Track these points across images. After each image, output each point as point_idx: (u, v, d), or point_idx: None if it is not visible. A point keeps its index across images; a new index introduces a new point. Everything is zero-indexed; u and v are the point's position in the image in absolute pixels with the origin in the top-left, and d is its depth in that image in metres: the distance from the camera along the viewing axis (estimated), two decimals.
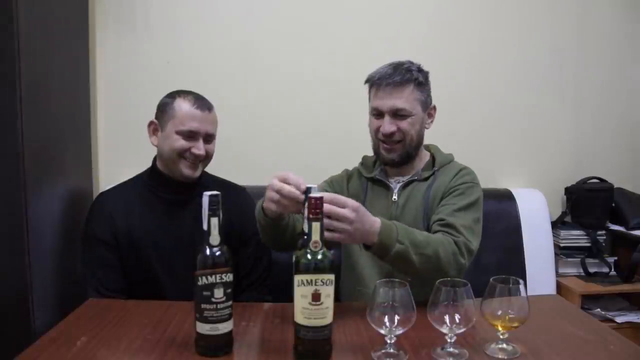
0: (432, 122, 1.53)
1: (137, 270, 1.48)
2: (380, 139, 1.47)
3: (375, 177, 1.54)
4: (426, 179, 1.49)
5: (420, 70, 1.46)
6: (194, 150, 1.45)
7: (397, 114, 1.43)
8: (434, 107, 1.53)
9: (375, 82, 1.45)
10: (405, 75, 1.42)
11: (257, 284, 1.57)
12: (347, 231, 1.12)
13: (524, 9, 2.26)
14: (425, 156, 1.56)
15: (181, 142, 1.44)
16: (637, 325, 2.01)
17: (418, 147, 1.50)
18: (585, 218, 2.23)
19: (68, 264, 1.76)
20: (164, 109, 1.48)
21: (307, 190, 1.12)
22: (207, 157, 1.50)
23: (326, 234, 1.07)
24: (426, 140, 1.54)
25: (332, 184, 1.60)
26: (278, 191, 1.15)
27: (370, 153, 1.60)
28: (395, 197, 1.49)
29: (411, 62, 1.47)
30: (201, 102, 1.47)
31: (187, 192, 1.50)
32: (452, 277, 1.23)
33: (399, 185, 1.51)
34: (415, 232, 1.26)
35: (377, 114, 1.46)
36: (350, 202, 1.13)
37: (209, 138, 1.49)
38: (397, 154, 1.47)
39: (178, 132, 1.45)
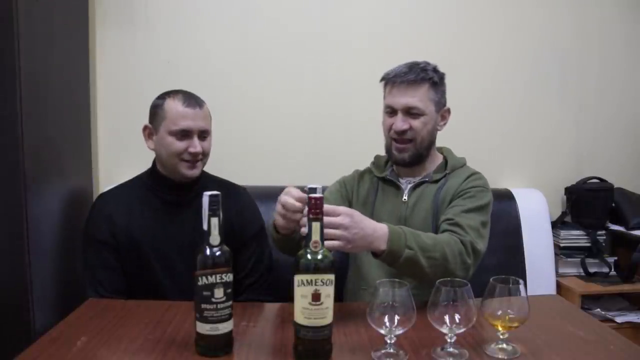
0: (445, 124, 1.53)
1: (136, 272, 1.48)
2: (392, 137, 1.48)
3: (386, 177, 1.54)
4: (437, 181, 1.50)
5: (435, 70, 1.47)
6: (191, 149, 1.44)
7: (410, 112, 1.44)
8: (448, 110, 1.53)
9: (390, 80, 1.46)
10: (420, 74, 1.43)
11: (257, 284, 1.56)
12: (345, 237, 1.12)
13: (524, 9, 2.26)
14: (437, 158, 1.56)
15: (177, 145, 1.43)
16: (637, 325, 2.02)
17: (429, 148, 1.51)
18: (585, 218, 2.23)
19: (68, 264, 1.76)
20: (155, 111, 1.48)
21: (310, 191, 1.12)
22: (205, 155, 1.49)
23: (326, 243, 1.08)
24: None
25: (345, 185, 1.60)
26: (283, 205, 1.18)
27: (375, 153, 1.61)
28: (405, 197, 1.49)
29: (427, 63, 1.48)
30: (191, 100, 1.46)
31: (186, 193, 1.50)
32: (458, 277, 1.23)
33: (409, 186, 1.51)
34: (422, 235, 1.25)
35: (391, 111, 1.47)
36: (343, 209, 1.14)
37: (203, 135, 1.47)
38: (408, 154, 1.47)
39: (171, 133, 1.43)
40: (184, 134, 1.44)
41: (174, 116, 1.43)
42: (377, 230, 1.19)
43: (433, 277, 1.23)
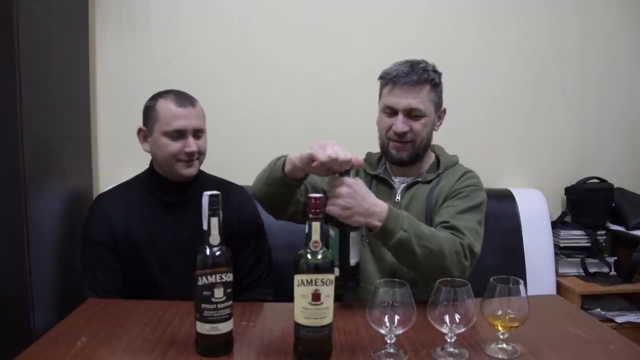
0: (440, 124, 1.52)
1: (135, 272, 1.48)
2: (390, 138, 1.46)
3: (379, 174, 1.53)
4: (430, 181, 1.49)
5: (435, 71, 1.46)
6: (187, 149, 1.43)
7: (411, 114, 1.42)
8: (444, 111, 1.52)
9: (391, 80, 1.43)
10: (423, 75, 1.41)
11: (257, 283, 1.56)
12: (339, 204, 1.17)
13: (525, 8, 2.26)
14: (430, 157, 1.55)
15: (172, 145, 1.43)
16: (637, 325, 2.01)
17: (426, 149, 1.50)
18: (585, 218, 2.23)
19: (68, 264, 1.76)
20: (148, 113, 1.47)
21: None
22: (201, 153, 1.48)
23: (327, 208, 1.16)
24: None
25: None
26: (332, 156, 1.18)
27: (372, 150, 1.60)
28: (398, 198, 1.49)
29: (426, 62, 1.46)
30: (183, 99, 1.45)
31: (185, 193, 1.50)
32: (454, 277, 1.23)
33: (402, 186, 1.50)
34: (422, 225, 1.26)
35: (390, 112, 1.45)
36: (347, 180, 1.20)
37: (198, 133, 1.47)
38: (406, 153, 1.46)
39: (165, 134, 1.43)
40: (179, 134, 1.43)
41: (167, 117, 1.43)
42: (377, 206, 1.22)
43: (427, 268, 1.24)
